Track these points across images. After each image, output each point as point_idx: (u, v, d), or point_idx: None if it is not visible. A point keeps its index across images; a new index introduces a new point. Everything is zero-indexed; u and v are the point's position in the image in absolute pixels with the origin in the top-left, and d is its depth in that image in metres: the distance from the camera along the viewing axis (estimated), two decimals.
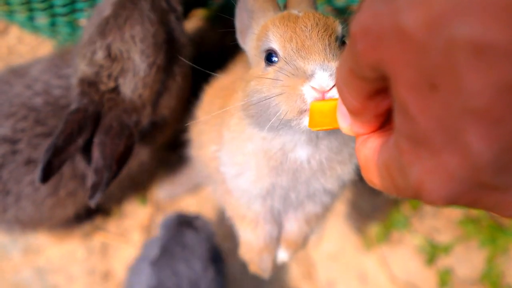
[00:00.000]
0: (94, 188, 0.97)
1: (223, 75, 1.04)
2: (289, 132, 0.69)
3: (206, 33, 1.48)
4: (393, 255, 1.52)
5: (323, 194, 0.85)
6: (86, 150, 1.01)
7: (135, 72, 1.05)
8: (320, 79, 0.59)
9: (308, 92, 0.60)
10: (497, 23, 0.27)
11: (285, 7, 0.78)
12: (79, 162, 1.12)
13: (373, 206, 1.54)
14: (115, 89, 1.05)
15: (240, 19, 0.78)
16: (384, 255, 1.52)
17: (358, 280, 1.51)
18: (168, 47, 1.10)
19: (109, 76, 1.04)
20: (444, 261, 1.53)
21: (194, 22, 1.50)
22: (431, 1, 0.30)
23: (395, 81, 0.34)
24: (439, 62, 0.30)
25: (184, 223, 1.24)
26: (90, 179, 0.97)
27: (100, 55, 1.05)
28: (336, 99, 0.55)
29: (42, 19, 1.33)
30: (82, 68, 1.06)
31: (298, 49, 0.63)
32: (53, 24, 1.34)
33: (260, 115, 0.67)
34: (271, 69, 0.66)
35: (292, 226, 0.94)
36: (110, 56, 1.04)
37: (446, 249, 1.52)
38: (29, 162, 1.09)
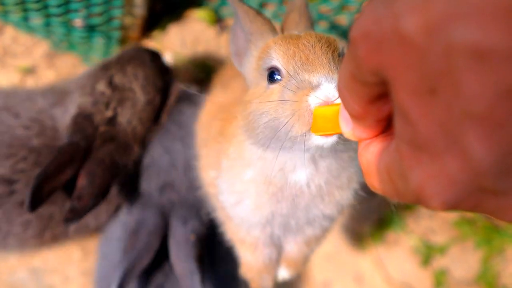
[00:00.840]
0: (74, 213, 0.97)
1: (222, 90, 1.02)
2: (291, 151, 0.67)
3: None
4: (389, 256, 1.52)
5: (322, 219, 0.85)
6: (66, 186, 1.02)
7: (134, 103, 1.09)
8: (326, 90, 0.58)
9: (314, 102, 0.58)
10: (496, 27, 0.27)
11: (282, 31, 0.78)
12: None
13: (368, 207, 1.54)
14: (112, 120, 1.08)
15: (235, 42, 0.76)
16: (380, 256, 1.52)
17: (354, 281, 1.51)
18: (162, 99, 1.16)
19: (108, 104, 1.08)
20: (439, 262, 1.53)
21: (189, 23, 1.49)
22: (430, 5, 0.30)
23: (395, 85, 0.34)
24: (438, 67, 0.30)
25: (184, 98, 1.20)
26: (71, 204, 0.98)
27: (101, 85, 1.09)
28: (338, 104, 0.54)
29: (36, 19, 1.33)
30: (80, 100, 1.09)
31: (303, 63, 0.62)
32: (47, 25, 1.33)
33: (269, 137, 0.65)
34: (274, 87, 0.65)
35: (292, 248, 0.95)
36: (111, 84, 1.10)
37: (442, 250, 1.52)
38: (23, 203, 1.07)
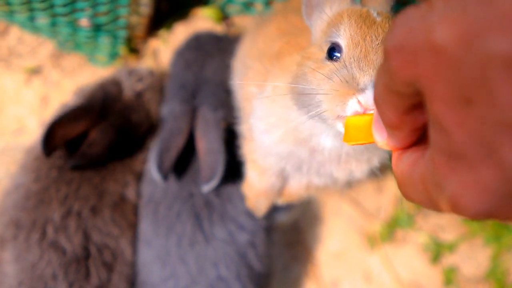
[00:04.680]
0: (82, 157, 1.11)
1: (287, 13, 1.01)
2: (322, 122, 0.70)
3: None
4: (397, 253, 1.52)
5: (330, 178, 0.89)
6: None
7: (159, 90, 1.36)
8: (369, 96, 0.59)
9: (352, 104, 0.60)
10: None
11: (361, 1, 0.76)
12: None
13: (377, 204, 1.54)
14: (139, 94, 1.28)
15: None
16: (388, 254, 1.52)
17: (363, 279, 1.50)
18: None
19: (141, 79, 1.31)
20: (449, 259, 1.52)
21: (196, 21, 1.49)
22: (465, 16, 0.30)
23: (430, 96, 0.34)
24: (473, 77, 0.30)
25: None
26: (81, 149, 1.12)
27: (143, 67, 1.37)
28: (371, 114, 0.55)
29: (42, 19, 1.32)
30: (116, 72, 1.32)
31: (360, 58, 0.63)
32: (53, 24, 1.33)
33: (304, 104, 0.68)
34: (329, 65, 0.66)
35: (294, 185, 1.00)
36: (150, 71, 1.35)
37: (451, 247, 1.51)
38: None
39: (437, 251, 1.51)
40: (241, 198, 1.14)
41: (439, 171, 0.36)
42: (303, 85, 0.67)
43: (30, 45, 1.47)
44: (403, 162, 0.44)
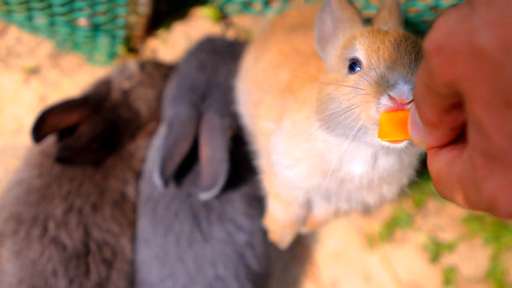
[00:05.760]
0: (68, 149, 1.12)
1: (284, 36, 0.98)
2: (354, 142, 0.67)
3: None
4: (396, 253, 1.51)
5: (360, 204, 0.87)
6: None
7: (150, 90, 1.36)
8: (401, 90, 0.58)
9: (385, 101, 0.58)
10: None
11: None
12: None
13: None
14: (126, 92, 1.31)
15: (321, 28, 0.76)
16: (387, 254, 1.51)
17: (362, 279, 1.50)
18: None
19: (130, 77, 1.34)
20: (448, 259, 1.52)
21: (194, 21, 1.49)
22: (507, 21, 0.31)
23: (470, 98, 0.34)
24: None
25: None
26: (68, 142, 1.14)
27: (133, 64, 1.36)
28: (406, 110, 0.55)
29: (40, 19, 1.32)
30: (110, 71, 1.35)
31: (384, 59, 0.63)
32: (52, 24, 1.32)
33: (337, 123, 0.66)
34: (352, 77, 0.65)
35: (321, 212, 0.98)
36: (142, 66, 1.35)
37: (450, 247, 1.51)
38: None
39: (436, 251, 1.50)
40: (240, 199, 1.13)
41: (477, 172, 0.37)
42: (332, 108, 0.66)
43: (29, 44, 1.47)
44: (440, 160, 0.44)
